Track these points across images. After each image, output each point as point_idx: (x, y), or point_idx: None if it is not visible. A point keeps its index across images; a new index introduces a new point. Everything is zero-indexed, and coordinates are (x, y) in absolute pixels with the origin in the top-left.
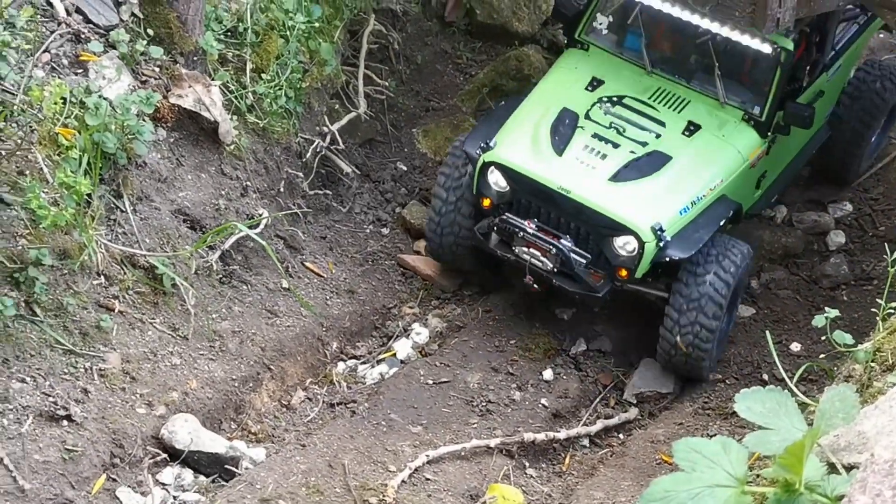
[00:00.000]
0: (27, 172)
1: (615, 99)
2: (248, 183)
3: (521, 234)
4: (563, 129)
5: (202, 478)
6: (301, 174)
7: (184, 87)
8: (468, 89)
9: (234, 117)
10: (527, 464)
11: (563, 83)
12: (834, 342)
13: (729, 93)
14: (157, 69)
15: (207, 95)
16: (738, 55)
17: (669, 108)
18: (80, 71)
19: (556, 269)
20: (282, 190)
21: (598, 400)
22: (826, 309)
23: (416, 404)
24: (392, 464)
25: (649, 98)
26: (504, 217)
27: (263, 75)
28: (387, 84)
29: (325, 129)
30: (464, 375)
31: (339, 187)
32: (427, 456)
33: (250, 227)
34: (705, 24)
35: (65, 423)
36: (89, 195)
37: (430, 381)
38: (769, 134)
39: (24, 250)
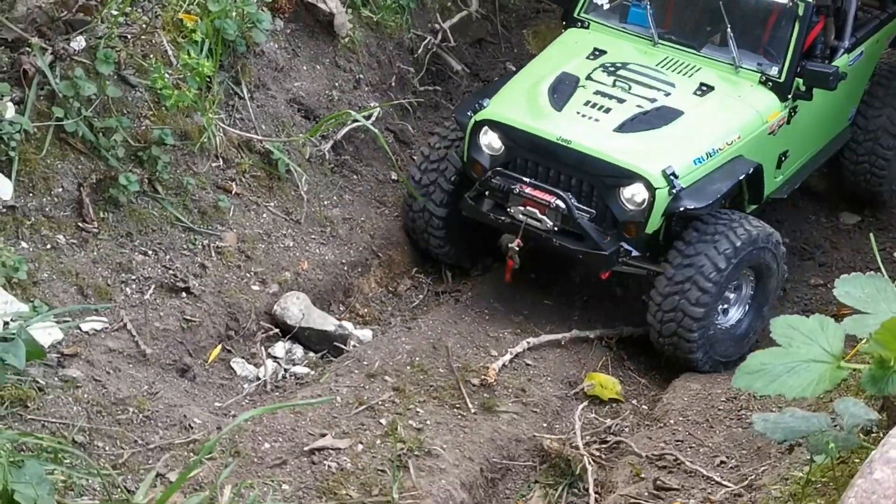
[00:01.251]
0: (152, 56)
1: (619, 64)
2: (361, 76)
3: (518, 189)
4: (563, 87)
5: (311, 353)
6: (412, 70)
7: None
8: None
9: (349, 10)
10: (625, 356)
11: (561, 54)
12: None
13: (743, 57)
14: None
15: None
16: (752, 14)
17: (679, 73)
18: None
19: (556, 228)
20: (393, 84)
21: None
22: None
23: (519, 295)
24: (493, 349)
25: (657, 65)
26: (498, 170)
27: None
28: None
29: (437, 26)
30: (566, 270)
31: (448, 85)
32: (528, 343)
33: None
34: None
35: (184, 294)
36: (210, 79)
37: (533, 276)
38: (789, 97)
39: (147, 130)
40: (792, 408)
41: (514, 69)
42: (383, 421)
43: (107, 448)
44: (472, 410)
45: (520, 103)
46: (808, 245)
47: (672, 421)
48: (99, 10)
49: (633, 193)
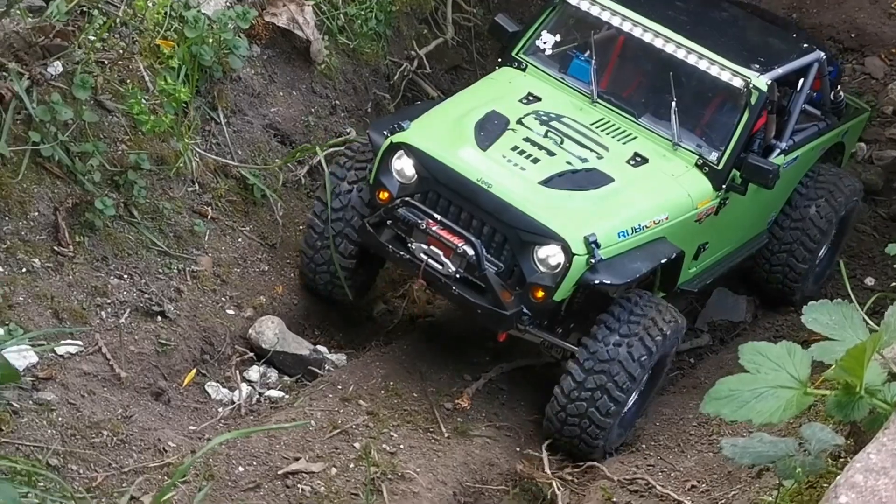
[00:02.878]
0: (129, 81)
1: (553, 115)
2: (337, 102)
3: (425, 225)
4: (491, 126)
5: (286, 377)
6: (388, 96)
7: (278, 5)
8: None
9: (326, 37)
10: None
11: (492, 91)
12: None
13: (683, 135)
14: None
15: (301, 14)
16: (700, 92)
17: (614, 138)
18: None
19: (457, 275)
20: (369, 110)
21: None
22: None
23: None
24: (467, 373)
25: (592, 124)
26: (407, 199)
27: None
28: (475, 11)
29: (413, 53)
30: None
31: None
32: (501, 367)
33: (339, 144)
34: (679, 51)
35: (159, 318)
36: (186, 105)
37: None
38: (723, 188)
39: (124, 155)
40: (760, 433)
41: None
42: (357, 445)
43: (81, 471)
44: (446, 434)
45: (443, 133)
46: None
47: (644, 446)
48: (76, 36)
49: (549, 255)
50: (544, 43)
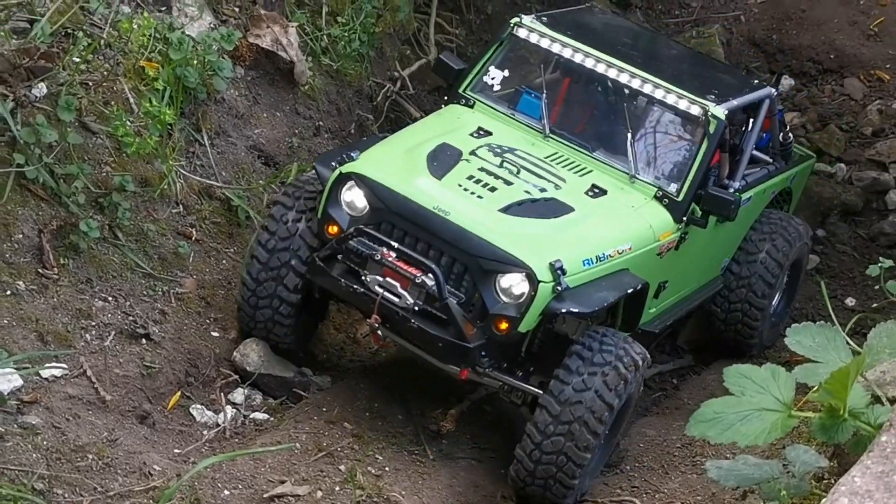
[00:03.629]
0: (113, 103)
1: (506, 148)
2: (321, 123)
3: (379, 256)
4: (444, 157)
5: (271, 399)
6: (371, 117)
7: (262, 27)
8: None
9: (310, 58)
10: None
11: (441, 125)
12: (888, 291)
13: (641, 167)
14: (237, 9)
15: (285, 36)
16: (658, 122)
17: (570, 171)
18: (163, 8)
19: (416, 307)
20: (353, 132)
21: (652, 345)
22: (881, 259)
23: None
24: (452, 395)
25: (546, 158)
26: (361, 228)
27: (339, 18)
28: (457, 32)
29: (396, 74)
30: None
31: None
32: (486, 389)
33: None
34: (633, 81)
35: (143, 341)
36: (171, 127)
37: None
38: (684, 220)
39: (108, 177)
40: (745, 455)
41: None
42: (342, 467)
43: (66, 495)
44: (431, 457)
45: (394, 164)
46: None
47: (628, 467)
48: (61, 58)
49: (512, 284)
50: (492, 79)
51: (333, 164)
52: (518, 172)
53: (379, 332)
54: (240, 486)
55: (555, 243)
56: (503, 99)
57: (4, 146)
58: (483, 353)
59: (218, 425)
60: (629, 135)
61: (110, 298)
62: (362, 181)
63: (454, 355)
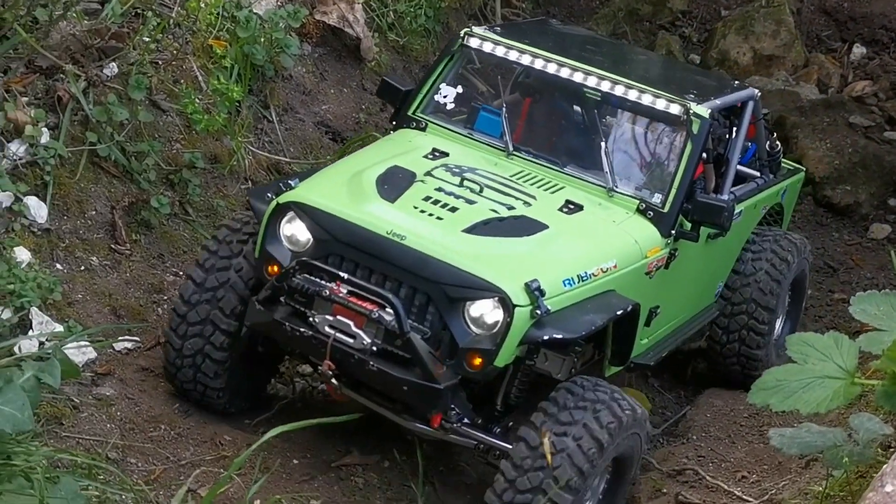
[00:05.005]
0: (182, 81)
1: (466, 168)
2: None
3: (328, 293)
4: (395, 180)
5: None
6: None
7: (329, 3)
8: (604, 12)
9: (376, 34)
10: (649, 374)
11: (391, 149)
12: None
13: (619, 179)
14: None
15: (351, 13)
16: (635, 127)
17: (540, 188)
18: None
19: (375, 347)
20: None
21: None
22: None
23: None
24: None
25: (511, 177)
26: (305, 261)
27: None
28: (523, 6)
29: None
30: None
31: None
32: None
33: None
34: (603, 83)
35: None
36: (239, 104)
37: None
38: (672, 233)
39: (178, 154)
40: (808, 423)
41: None
42: (409, 437)
43: (139, 464)
44: None
45: (339, 189)
46: (832, 261)
47: (694, 437)
48: (131, 38)
49: (483, 312)
50: (444, 97)
51: (269, 195)
52: (481, 191)
53: (333, 381)
54: (308, 456)
55: (529, 263)
56: (459, 118)
57: (78, 125)
58: (453, 405)
59: (287, 397)
60: (603, 144)
61: (181, 273)
62: (303, 211)
63: (423, 399)
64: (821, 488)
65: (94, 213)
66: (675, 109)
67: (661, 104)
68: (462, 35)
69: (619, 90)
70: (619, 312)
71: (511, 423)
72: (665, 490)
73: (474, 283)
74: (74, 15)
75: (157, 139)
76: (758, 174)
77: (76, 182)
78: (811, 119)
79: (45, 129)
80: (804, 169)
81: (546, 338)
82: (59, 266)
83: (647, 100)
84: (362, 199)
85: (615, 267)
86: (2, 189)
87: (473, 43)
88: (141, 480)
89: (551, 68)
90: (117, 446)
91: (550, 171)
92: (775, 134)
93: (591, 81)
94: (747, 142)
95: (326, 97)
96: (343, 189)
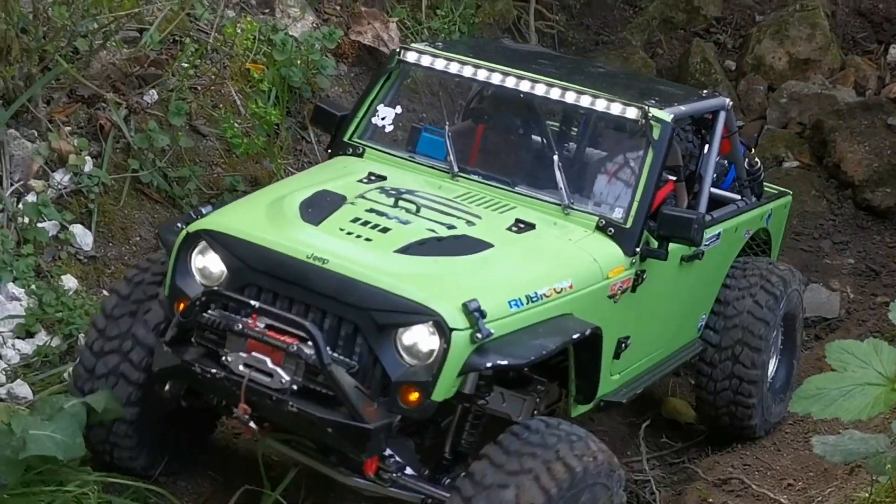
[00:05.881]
0: (221, 105)
1: (404, 190)
2: (424, 115)
3: (241, 326)
4: (322, 203)
5: None
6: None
7: (363, 24)
8: (637, 22)
9: None
10: (692, 381)
11: (322, 175)
12: None
13: (575, 195)
14: (338, 7)
15: (385, 31)
16: (590, 136)
17: (487, 208)
18: (266, 10)
19: (295, 386)
20: (456, 122)
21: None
22: None
23: None
24: None
25: (456, 198)
26: (213, 291)
27: (438, 11)
28: (557, 18)
29: None
30: None
31: None
32: None
33: None
34: (552, 91)
35: None
36: (277, 126)
37: None
38: (637, 251)
39: (219, 177)
40: (851, 430)
41: None
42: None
43: (189, 486)
44: None
45: (257, 215)
46: (874, 264)
47: (740, 445)
48: (170, 64)
49: (417, 339)
50: (382, 119)
51: (179, 225)
52: (418, 211)
53: (252, 425)
54: None
55: (469, 282)
56: (399, 141)
57: (120, 152)
58: (392, 451)
59: None
60: (556, 159)
61: None
62: (215, 239)
63: (351, 443)
64: (866, 495)
65: (138, 238)
66: (631, 113)
67: (616, 108)
68: (398, 51)
69: (570, 97)
70: (575, 336)
71: (463, 474)
72: (711, 500)
73: (405, 307)
74: (114, 44)
75: (197, 164)
76: (738, 196)
77: (120, 209)
78: (849, 122)
79: (88, 158)
80: (790, 193)
81: (489, 365)
82: (105, 293)
83: (600, 105)
84: (282, 224)
85: (571, 287)
86: (48, 218)
87: (410, 58)
88: (191, 502)
89: (495, 79)
90: (167, 469)
91: (500, 192)
92: (753, 150)
93: (539, 90)
94: (723, 160)
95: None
96: (261, 215)
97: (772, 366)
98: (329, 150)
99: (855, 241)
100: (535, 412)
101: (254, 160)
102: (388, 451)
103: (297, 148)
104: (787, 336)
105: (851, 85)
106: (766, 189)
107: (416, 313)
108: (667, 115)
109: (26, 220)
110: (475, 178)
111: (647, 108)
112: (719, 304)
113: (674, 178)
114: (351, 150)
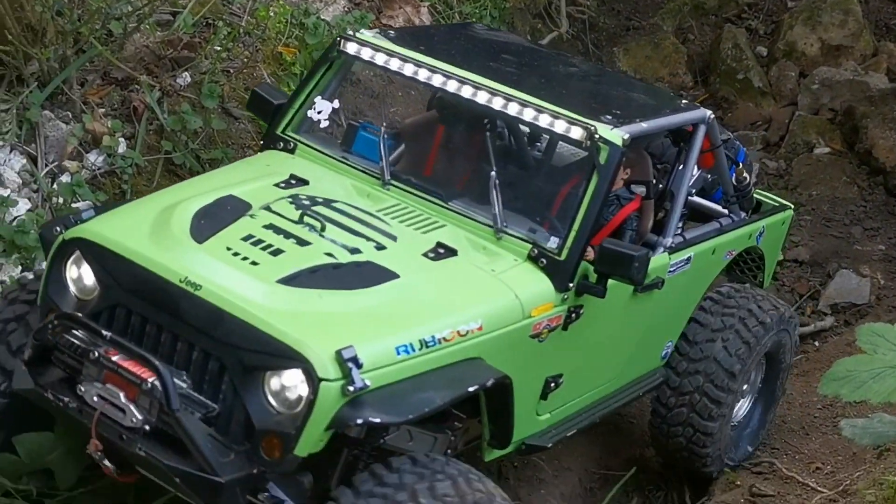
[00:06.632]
0: (253, 88)
1: (320, 200)
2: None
3: (98, 354)
4: (219, 214)
5: None
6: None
7: (394, 7)
8: (669, 7)
9: None
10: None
11: (239, 175)
12: None
13: (510, 217)
14: None
15: (417, 15)
16: (532, 156)
17: (410, 226)
18: None
19: (147, 426)
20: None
21: (793, 308)
22: None
23: None
24: None
25: (378, 211)
26: (65, 314)
27: None
28: (588, 3)
29: None
30: None
31: None
32: None
33: None
34: (495, 100)
35: None
36: None
37: None
38: (571, 287)
39: None
40: (880, 413)
41: None
42: None
43: None
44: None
45: (141, 224)
46: None
47: (769, 428)
48: (203, 47)
49: (285, 385)
50: (318, 113)
51: (58, 228)
52: (323, 229)
53: (107, 464)
54: None
55: (354, 324)
56: (334, 138)
57: (153, 134)
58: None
59: None
60: (493, 174)
61: None
62: (89, 251)
63: (200, 495)
64: (895, 478)
65: None
66: (576, 133)
67: (560, 126)
68: (338, 40)
69: (512, 108)
70: (471, 389)
71: None
72: (739, 482)
73: (274, 349)
74: (148, 27)
75: (230, 146)
76: (724, 211)
77: (153, 190)
78: (881, 108)
79: (121, 139)
80: (791, 206)
81: (360, 422)
82: None
83: (544, 121)
84: (163, 238)
85: (480, 329)
86: (82, 198)
87: (351, 49)
88: None
89: (436, 80)
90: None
91: (432, 206)
92: (741, 165)
93: (482, 97)
94: (706, 174)
95: (394, 100)
96: (146, 224)
97: (742, 408)
98: (262, 143)
99: (886, 227)
100: (450, 451)
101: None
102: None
103: (328, 131)
104: (768, 376)
105: (884, 71)
106: (767, 200)
107: (286, 357)
108: (618, 135)
109: (61, 200)
110: (407, 188)
111: (593, 128)
112: (686, 341)
113: (642, 194)
114: (283, 144)
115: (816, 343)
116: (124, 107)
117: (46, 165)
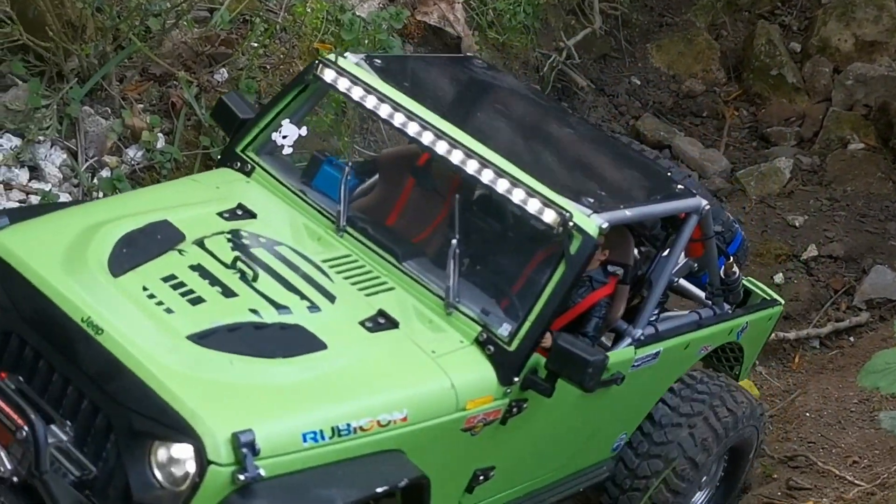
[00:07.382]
0: None
1: (263, 240)
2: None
3: None
4: (145, 243)
5: None
6: (538, 87)
7: (429, 4)
8: (702, 3)
9: (476, 32)
10: (756, 362)
11: (184, 195)
12: None
13: (465, 291)
14: None
15: (451, 12)
16: (500, 229)
17: (355, 285)
18: None
19: (16, 479)
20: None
21: (828, 304)
22: None
23: None
24: None
25: (325, 262)
26: None
27: None
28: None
29: (562, 44)
30: None
31: (574, 101)
32: None
33: None
34: (469, 163)
35: None
36: (344, 105)
37: None
38: (516, 382)
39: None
40: None
41: (638, 82)
42: None
43: None
44: None
45: (57, 242)
46: None
47: (805, 423)
48: (240, 44)
49: (173, 458)
50: (284, 138)
51: None
52: (255, 279)
53: None
54: None
55: (261, 400)
56: (294, 168)
57: (191, 129)
58: None
59: None
60: (454, 241)
61: None
62: None
63: None
64: None
65: None
66: (548, 217)
67: (532, 206)
68: (316, 64)
69: (486, 176)
70: (380, 490)
71: None
72: (776, 476)
73: (167, 418)
74: (185, 23)
75: None
76: (707, 302)
77: None
78: None
79: (160, 134)
80: (782, 303)
81: None
82: None
83: (517, 196)
84: (77, 264)
85: (404, 420)
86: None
87: (328, 76)
88: None
89: (411, 129)
90: None
91: (384, 263)
92: (732, 258)
93: (455, 157)
94: (693, 263)
95: (374, 127)
96: (63, 244)
97: (699, 499)
98: (220, 159)
99: None
100: None
101: (321, 138)
102: None
103: (364, 126)
104: (730, 470)
105: None
106: (758, 292)
107: (177, 429)
108: (594, 224)
109: (101, 194)
110: (362, 237)
111: (568, 214)
112: (651, 422)
113: (618, 277)
114: (240, 164)
115: (851, 339)
116: (162, 102)
117: (87, 160)
